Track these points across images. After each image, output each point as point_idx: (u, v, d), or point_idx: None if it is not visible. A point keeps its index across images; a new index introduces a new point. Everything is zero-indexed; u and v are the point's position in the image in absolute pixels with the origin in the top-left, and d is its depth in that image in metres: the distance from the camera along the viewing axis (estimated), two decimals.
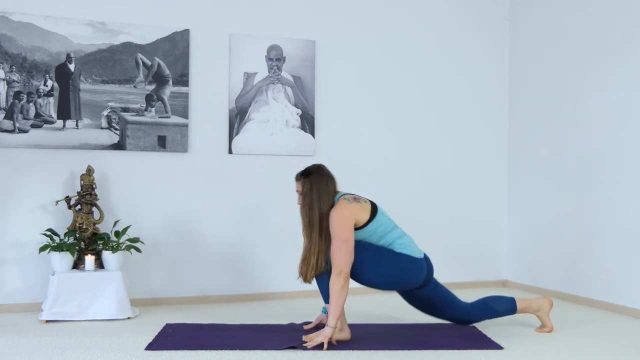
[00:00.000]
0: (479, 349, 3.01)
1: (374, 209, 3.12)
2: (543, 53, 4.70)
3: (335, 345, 3.01)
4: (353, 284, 3.29)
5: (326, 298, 3.12)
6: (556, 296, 4.45)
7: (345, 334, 3.11)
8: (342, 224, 2.98)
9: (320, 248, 3.03)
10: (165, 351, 2.92)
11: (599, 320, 3.73)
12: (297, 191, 3.16)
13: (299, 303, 4.16)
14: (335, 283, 2.95)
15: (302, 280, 3.13)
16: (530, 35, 4.85)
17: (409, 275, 3.14)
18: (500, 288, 4.93)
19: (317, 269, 3.05)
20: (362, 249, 3.06)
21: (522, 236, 4.89)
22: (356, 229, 3.05)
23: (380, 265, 3.08)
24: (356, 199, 3.09)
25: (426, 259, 3.25)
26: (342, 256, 2.96)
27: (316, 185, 3.08)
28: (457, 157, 4.93)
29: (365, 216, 3.06)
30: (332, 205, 3.08)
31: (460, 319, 3.38)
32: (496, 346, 3.05)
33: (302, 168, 3.21)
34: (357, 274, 3.07)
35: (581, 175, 4.31)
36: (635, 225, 3.88)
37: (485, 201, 5.01)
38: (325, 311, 3.32)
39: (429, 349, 2.99)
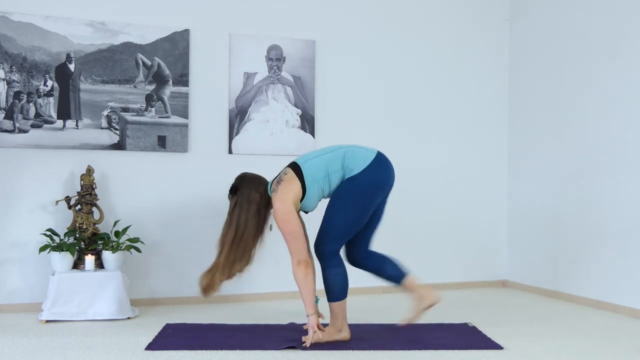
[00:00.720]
0: (479, 349, 3.01)
1: (298, 169, 3.06)
2: (543, 53, 4.70)
3: (334, 344, 3.01)
4: (352, 283, 3.29)
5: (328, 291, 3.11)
6: (556, 296, 4.45)
7: (345, 334, 3.11)
8: (283, 218, 2.98)
9: (228, 265, 3.06)
10: (165, 351, 2.92)
11: (599, 320, 3.73)
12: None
13: (299, 303, 4.16)
14: (297, 272, 2.99)
15: (201, 293, 3.14)
16: (530, 35, 4.85)
17: (378, 180, 3.05)
18: (500, 288, 4.93)
19: (218, 282, 3.09)
20: (333, 208, 3.03)
21: (522, 236, 4.89)
22: (304, 196, 3.03)
23: (356, 200, 3.01)
24: (278, 180, 3.06)
25: (383, 155, 3.15)
26: (295, 247, 2.99)
27: (240, 199, 3.07)
28: (456, 156, 4.93)
29: (297, 185, 3.02)
30: (267, 202, 3.09)
31: (360, 253, 3.23)
32: (496, 346, 3.05)
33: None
34: (352, 226, 3.04)
35: (581, 175, 4.31)
36: (635, 226, 3.88)
37: (485, 201, 5.01)
38: (316, 301, 3.31)
39: (429, 349, 2.99)
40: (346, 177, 3.04)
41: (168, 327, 3.41)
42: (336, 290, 3.07)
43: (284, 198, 3.00)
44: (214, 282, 3.10)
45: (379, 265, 3.22)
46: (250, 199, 3.07)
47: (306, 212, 3.20)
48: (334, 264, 3.07)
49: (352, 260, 3.27)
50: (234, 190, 3.12)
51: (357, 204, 3.03)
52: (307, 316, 3.02)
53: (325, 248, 3.04)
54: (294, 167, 3.08)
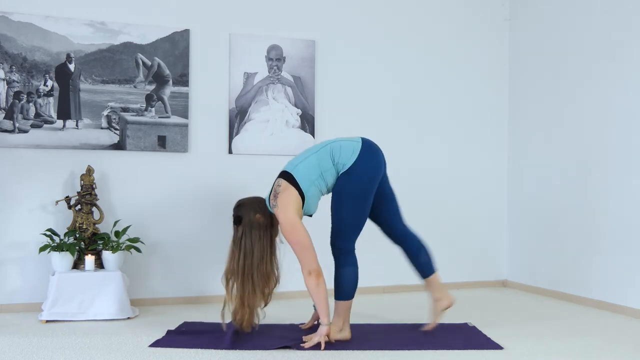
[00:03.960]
0: (479, 349, 3.01)
1: (289, 176, 3.06)
2: (543, 53, 4.70)
3: (334, 345, 3.01)
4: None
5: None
6: (556, 296, 4.45)
7: (345, 334, 3.12)
8: (289, 230, 2.97)
9: (249, 294, 3.02)
10: (165, 351, 2.92)
11: (599, 320, 3.73)
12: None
13: (299, 303, 4.16)
14: (308, 283, 2.97)
15: (240, 328, 3.09)
16: (530, 35, 4.85)
17: (372, 167, 3.08)
18: (500, 288, 4.93)
19: (250, 314, 3.05)
20: (337, 211, 3.06)
21: (522, 236, 4.89)
22: (305, 201, 3.03)
23: (356, 194, 3.04)
24: (274, 195, 3.05)
25: (368, 140, 3.19)
26: (305, 258, 2.97)
27: (245, 227, 3.06)
28: (457, 156, 4.93)
29: (294, 194, 3.02)
30: (271, 223, 3.10)
31: (395, 229, 3.29)
32: (496, 346, 3.05)
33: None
34: (360, 219, 3.07)
35: (581, 175, 4.31)
36: (635, 226, 3.88)
37: (485, 201, 5.01)
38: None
39: (429, 349, 2.99)
40: (340, 173, 3.07)
41: (183, 325, 3.44)
42: (347, 289, 3.09)
43: (286, 210, 2.99)
44: (248, 315, 3.05)
45: (415, 250, 3.30)
46: (255, 224, 3.07)
47: (310, 216, 3.20)
48: (350, 262, 3.09)
49: (392, 238, 3.33)
50: (238, 221, 3.10)
51: (358, 196, 3.06)
52: (321, 324, 2.99)
53: (342, 245, 3.07)
54: (285, 176, 3.08)
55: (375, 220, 3.32)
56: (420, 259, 3.32)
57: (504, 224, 5.06)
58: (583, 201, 4.28)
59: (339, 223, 3.09)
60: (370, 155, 3.10)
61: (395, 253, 3.50)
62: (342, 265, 3.09)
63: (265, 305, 3.17)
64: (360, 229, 3.14)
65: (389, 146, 4.73)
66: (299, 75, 4.50)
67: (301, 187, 3.03)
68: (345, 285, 3.08)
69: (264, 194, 4.38)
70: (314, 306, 3.32)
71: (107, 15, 4.10)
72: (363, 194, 3.07)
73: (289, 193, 3.02)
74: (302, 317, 3.68)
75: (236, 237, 3.11)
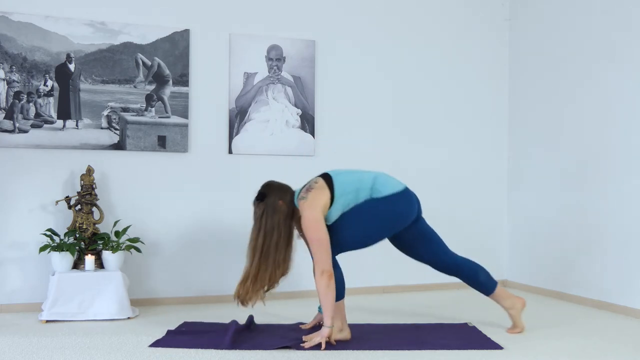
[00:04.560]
0: (479, 349, 3.01)
1: (329, 180, 3.08)
2: (543, 53, 4.70)
3: (334, 345, 3.01)
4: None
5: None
6: (556, 296, 4.45)
7: (345, 334, 3.12)
8: (311, 226, 2.98)
9: (260, 274, 3.04)
10: (165, 351, 2.92)
11: (599, 320, 3.73)
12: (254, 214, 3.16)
13: (298, 303, 4.16)
14: (319, 282, 2.96)
15: (238, 304, 3.12)
16: (530, 35, 4.85)
17: (402, 213, 3.11)
18: None
19: (254, 292, 3.05)
20: (349, 221, 3.05)
21: (522, 236, 4.89)
22: (330, 207, 3.04)
23: (373, 220, 3.06)
24: (308, 188, 3.07)
25: (408, 190, 3.21)
26: (320, 256, 2.97)
27: (268, 207, 3.07)
28: (456, 157, 4.93)
29: (326, 193, 3.04)
30: (291, 215, 3.10)
31: (444, 264, 3.31)
32: (496, 346, 3.05)
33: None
34: (359, 242, 3.09)
35: (581, 175, 4.31)
36: (635, 225, 3.88)
37: (485, 201, 5.00)
38: (321, 310, 3.32)
39: (429, 349, 2.99)
40: (371, 197, 3.08)
41: (183, 325, 3.44)
42: (339, 288, 3.10)
43: (314, 205, 3.00)
44: (251, 292, 3.07)
45: (472, 276, 3.33)
46: (277, 207, 3.07)
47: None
48: (335, 266, 3.09)
49: (445, 272, 3.36)
50: (261, 198, 3.11)
51: (370, 224, 3.08)
52: (324, 326, 2.98)
53: (329, 269, 3.02)
54: (325, 177, 3.10)
55: (423, 261, 3.35)
56: (478, 284, 3.34)
57: (504, 224, 5.06)
58: (583, 201, 4.28)
59: (340, 236, 3.07)
60: (404, 201, 3.12)
61: (395, 253, 3.49)
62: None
63: (268, 290, 3.15)
64: (345, 251, 3.15)
65: (388, 146, 4.75)
66: (299, 75, 4.50)
67: (335, 192, 3.05)
68: (337, 285, 3.08)
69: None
70: (319, 308, 3.33)
71: (107, 15, 4.10)
72: (375, 225, 3.08)
73: (322, 192, 3.04)
74: (302, 317, 3.68)
75: (257, 214, 3.11)
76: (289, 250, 3.12)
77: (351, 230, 3.08)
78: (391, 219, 3.11)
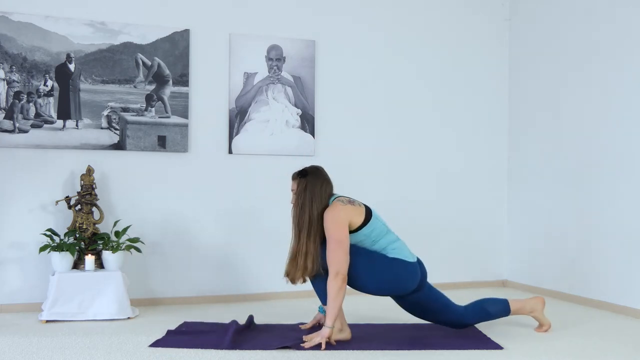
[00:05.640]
0: (479, 349, 3.01)
1: (369, 212, 3.10)
2: (543, 53, 4.70)
3: (334, 345, 3.01)
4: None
5: (323, 299, 3.12)
6: (556, 296, 4.45)
7: (345, 334, 3.12)
8: (337, 224, 2.97)
9: (309, 249, 3.01)
10: (165, 351, 2.92)
11: (599, 320, 3.73)
12: (292, 190, 3.15)
13: (299, 303, 4.17)
14: (332, 284, 2.94)
15: (287, 281, 3.11)
16: (530, 35, 4.85)
17: (402, 280, 3.10)
18: (500, 288, 4.93)
19: (305, 271, 3.02)
20: (355, 253, 3.04)
21: (522, 236, 4.89)
22: (351, 232, 3.03)
23: (374, 270, 3.05)
24: (351, 201, 3.07)
25: (419, 262, 3.23)
26: (337, 257, 2.94)
27: (311, 186, 3.07)
28: (457, 157, 4.93)
29: (360, 219, 3.04)
30: (326, 208, 3.06)
31: (455, 323, 3.30)
32: (496, 346, 3.05)
33: (301, 167, 3.22)
34: (350, 278, 3.05)
35: (581, 175, 4.31)
36: (635, 225, 3.88)
37: (485, 201, 5.00)
38: (321, 310, 3.32)
39: (429, 349, 2.99)
40: (382, 251, 3.09)
41: (183, 325, 3.44)
42: None
43: (348, 213, 3.00)
44: (302, 269, 3.02)
45: (485, 316, 3.30)
46: (319, 193, 3.05)
47: None
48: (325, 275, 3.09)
49: (460, 328, 3.33)
50: (303, 174, 3.10)
51: (366, 270, 3.05)
52: (325, 326, 2.97)
53: (345, 272, 2.99)
54: (367, 209, 3.10)
55: (435, 321, 3.33)
56: (494, 316, 3.33)
57: (504, 224, 5.06)
58: (583, 201, 4.28)
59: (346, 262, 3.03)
60: (406, 271, 3.09)
61: None
62: (321, 280, 3.08)
63: (315, 266, 3.04)
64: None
65: (388, 146, 4.75)
66: (299, 75, 4.50)
67: (365, 228, 3.05)
68: None
69: (264, 192, 4.40)
70: (320, 308, 3.33)
71: (107, 15, 4.10)
72: (372, 277, 3.06)
73: (359, 215, 3.04)
74: (302, 317, 3.68)
75: (298, 189, 3.08)
76: (319, 237, 3.07)
77: (351, 265, 3.02)
78: (388, 279, 3.08)
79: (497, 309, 3.32)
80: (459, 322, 3.29)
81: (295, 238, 3.08)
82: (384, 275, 3.07)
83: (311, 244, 3.02)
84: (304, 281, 3.12)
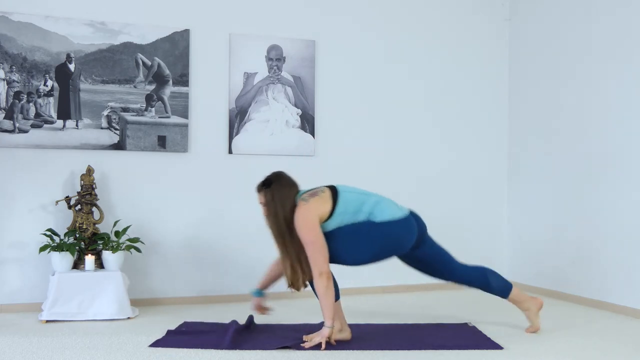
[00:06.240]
0: (479, 349, 3.01)
1: (335, 192, 3.07)
2: (543, 53, 4.70)
3: (334, 345, 3.01)
4: (348, 284, 3.29)
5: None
6: (557, 296, 4.45)
7: (345, 334, 3.12)
8: (305, 227, 2.95)
9: (299, 254, 3.00)
10: (165, 351, 2.92)
11: (599, 320, 3.73)
12: (260, 203, 3.11)
13: (299, 303, 4.17)
14: (318, 285, 2.95)
15: (293, 290, 3.09)
16: (530, 35, 4.85)
17: (396, 241, 3.09)
18: None
19: (305, 275, 3.02)
20: (337, 236, 3.03)
21: (523, 236, 4.89)
22: (327, 220, 3.02)
23: (360, 244, 3.04)
24: (313, 193, 3.05)
25: (414, 216, 3.21)
26: (315, 258, 2.95)
27: (278, 193, 3.04)
28: (457, 157, 4.93)
29: (328, 206, 3.02)
30: (292, 210, 3.04)
31: (454, 280, 3.33)
32: (496, 346, 3.05)
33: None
34: (344, 261, 3.06)
35: (581, 175, 4.31)
36: (635, 226, 3.88)
37: (485, 201, 5.00)
38: (255, 293, 3.35)
39: (429, 349, 2.99)
40: (368, 220, 3.06)
41: (183, 325, 3.43)
42: (335, 290, 3.08)
43: (312, 209, 2.98)
44: (302, 273, 3.03)
45: (484, 283, 3.32)
46: (284, 199, 3.02)
47: None
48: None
49: (458, 284, 3.38)
50: (267, 184, 3.08)
51: (361, 245, 3.05)
52: (325, 326, 2.98)
53: (327, 269, 3.00)
54: (333, 190, 3.09)
55: (433, 277, 3.36)
56: (492, 289, 3.34)
57: (504, 225, 5.06)
58: (583, 201, 4.28)
59: (331, 252, 3.03)
60: (401, 229, 3.09)
61: None
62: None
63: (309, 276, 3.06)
64: (339, 264, 3.13)
65: (388, 146, 4.75)
66: (299, 75, 4.50)
67: (336, 209, 3.03)
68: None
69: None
70: (254, 291, 3.39)
71: (107, 15, 4.10)
72: (370, 248, 3.06)
73: (325, 203, 3.02)
74: (302, 317, 3.68)
75: (267, 198, 3.05)
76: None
77: (342, 246, 3.04)
78: (383, 245, 3.07)
79: (498, 285, 3.33)
80: (458, 280, 3.33)
81: (282, 247, 3.05)
82: (375, 244, 3.05)
83: (298, 247, 3.01)
84: (306, 286, 3.12)
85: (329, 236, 3.04)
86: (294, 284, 3.07)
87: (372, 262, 3.15)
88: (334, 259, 3.06)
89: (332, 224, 3.05)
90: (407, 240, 3.12)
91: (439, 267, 3.30)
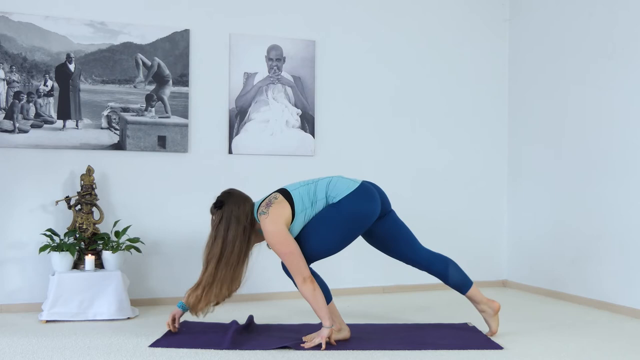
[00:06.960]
0: (479, 349, 3.01)
1: (287, 194, 3.06)
2: (543, 53, 4.70)
3: (334, 345, 3.01)
4: (348, 284, 3.29)
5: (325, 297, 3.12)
6: (556, 296, 4.45)
7: (345, 333, 3.12)
8: (279, 241, 2.96)
9: (215, 284, 3.00)
10: (165, 351, 2.92)
11: (599, 320, 3.73)
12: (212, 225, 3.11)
13: (299, 303, 4.16)
14: (305, 290, 2.95)
15: (192, 313, 3.08)
16: (530, 35, 4.85)
17: (365, 208, 3.07)
18: (500, 288, 4.93)
19: (205, 302, 3.02)
20: (312, 232, 3.04)
21: (522, 236, 4.89)
22: (292, 222, 3.02)
23: (338, 225, 3.03)
24: (268, 203, 3.04)
25: (370, 183, 3.20)
26: (295, 266, 2.95)
27: (227, 214, 3.02)
28: (456, 157, 4.93)
29: (288, 208, 3.01)
30: (251, 223, 3.05)
31: (415, 262, 3.28)
32: (496, 346, 3.05)
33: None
34: (330, 250, 3.07)
35: (581, 175, 4.31)
36: (635, 225, 3.88)
37: (485, 201, 5.01)
38: (179, 306, 3.22)
39: (429, 349, 2.99)
40: (328, 204, 3.07)
41: (182, 325, 3.42)
42: (326, 294, 3.09)
43: (276, 220, 2.98)
44: (202, 302, 3.03)
45: (443, 272, 3.27)
46: (237, 216, 3.02)
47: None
48: (315, 276, 3.09)
49: (418, 268, 3.32)
50: (219, 205, 3.07)
51: (334, 229, 3.05)
52: (323, 327, 2.97)
53: (308, 273, 3.00)
54: (284, 192, 3.08)
55: (395, 257, 3.32)
56: (450, 280, 3.29)
57: (504, 224, 5.06)
58: (583, 201, 4.28)
59: (305, 247, 3.04)
60: (363, 199, 3.07)
61: None
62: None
63: (217, 304, 3.11)
64: (318, 260, 3.12)
65: (388, 146, 4.75)
66: (299, 75, 4.50)
67: (295, 208, 3.03)
68: (324, 291, 3.08)
69: (263, 192, 4.38)
70: (178, 304, 3.27)
71: (107, 15, 4.10)
72: (339, 229, 3.05)
73: (284, 207, 3.01)
74: (301, 317, 3.68)
75: (214, 222, 3.06)
76: (245, 263, 3.07)
77: (316, 240, 3.04)
78: (352, 220, 3.05)
79: (457, 278, 3.28)
80: (419, 263, 3.28)
81: (204, 267, 3.05)
82: (347, 222, 3.04)
83: (217, 274, 2.99)
84: (206, 313, 3.10)
85: (302, 237, 3.06)
86: (193, 307, 3.05)
87: (352, 241, 3.13)
88: (316, 256, 3.07)
89: (298, 224, 3.05)
90: (372, 208, 3.09)
91: (403, 246, 3.25)
